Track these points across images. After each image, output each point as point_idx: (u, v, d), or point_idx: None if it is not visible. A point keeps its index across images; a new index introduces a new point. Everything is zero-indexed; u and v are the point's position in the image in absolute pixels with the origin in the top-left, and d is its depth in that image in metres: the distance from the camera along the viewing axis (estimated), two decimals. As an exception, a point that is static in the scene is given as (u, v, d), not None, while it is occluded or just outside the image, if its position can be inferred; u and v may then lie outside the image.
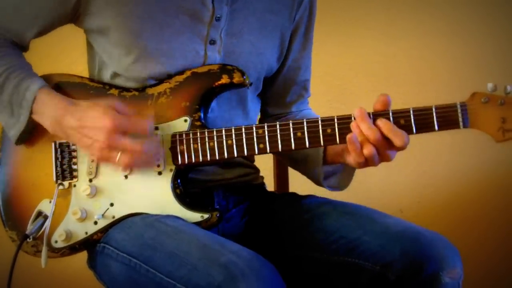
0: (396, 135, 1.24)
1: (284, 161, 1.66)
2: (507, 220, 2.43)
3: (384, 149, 1.26)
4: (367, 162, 1.28)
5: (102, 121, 1.26)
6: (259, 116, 1.61)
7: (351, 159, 1.30)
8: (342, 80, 2.46)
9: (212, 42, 1.41)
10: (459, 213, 2.44)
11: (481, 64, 2.40)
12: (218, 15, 1.40)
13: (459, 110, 1.24)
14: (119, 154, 1.26)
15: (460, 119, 1.24)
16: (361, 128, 1.25)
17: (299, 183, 1.54)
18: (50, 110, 1.33)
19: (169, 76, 1.38)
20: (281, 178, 1.68)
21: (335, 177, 1.46)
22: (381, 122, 1.25)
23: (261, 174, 1.57)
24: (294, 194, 1.57)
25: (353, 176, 1.43)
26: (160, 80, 1.38)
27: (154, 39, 1.36)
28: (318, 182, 1.48)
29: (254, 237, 1.47)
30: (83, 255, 1.43)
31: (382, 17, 2.44)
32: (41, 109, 1.33)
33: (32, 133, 1.38)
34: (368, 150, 1.25)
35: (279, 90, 1.58)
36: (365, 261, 1.30)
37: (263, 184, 1.58)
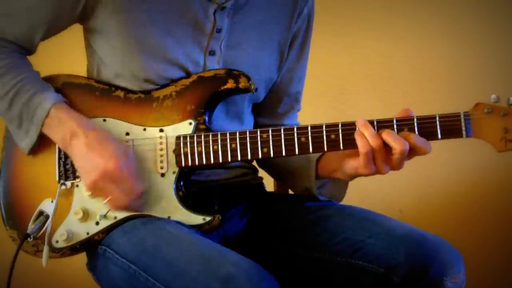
0: (395, 141, 1.25)
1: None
2: (506, 220, 2.44)
3: (384, 155, 1.27)
4: (376, 168, 1.29)
5: (109, 158, 1.28)
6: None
7: (358, 162, 1.30)
8: (341, 80, 2.47)
9: (212, 53, 1.42)
10: (459, 213, 2.45)
11: (481, 64, 2.42)
12: (219, 27, 1.41)
13: (462, 120, 1.26)
14: (107, 199, 1.31)
15: (463, 129, 1.26)
16: (365, 134, 1.26)
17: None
18: (65, 127, 1.33)
19: (172, 81, 1.39)
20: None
21: (326, 188, 1.48)
22: (382, 131, 1.27)
23: (261, 175, 1.58)
24: (295, 195, 1.57)
25: (347, 187, 1.45)
26: (160, 85, 1.39)
27: (156, 46, 1.37)
28: (307, 192, 1.48)
29: (254, 237, 1.48)
30: (83, 255, 1.43)
31: (382, 17, 2.46)
32: (54, 124, 1.33)
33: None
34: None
35: (271, 100, 1.59)
36: (369, 263, 1.31)
37: (261, 185, 1.59)
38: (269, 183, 1.63)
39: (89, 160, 1.30)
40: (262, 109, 1.59)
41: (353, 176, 1.37)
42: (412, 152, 1.26)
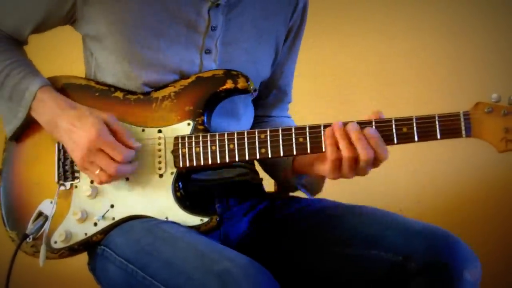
0: (382, 149, 1.25)
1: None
2: (507, 219, 2.42)
3: (352, 164, 1.27)
4: (342, 173, 1.29)
5: (89, 130, 1.29)
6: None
7: (325, 167, 1.30)
8: (341, 80, 2.47)
9: (208, 52, 1.41)
10: (459, 213, 2.44)
11: (481, 64, 2.40)
12: (214, 25, 1.40)
13: (462, 119, 1.24)
14: (98, 170, 1.30)
15: (463, 128, 1.24)
16: (356, 146, 1.25)
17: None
18: (48, 110, 1.35)
19: (171, 82, 1.38)
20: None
21: (302, 181, 1.47)
22: (369, 132, 1.25)
23: (261, 176, 1.58)
24: (297, 197, 1.56)
25: (323, 182, 1.46)
26: (157, 85, 1.39)
27: (149, 47, 1.37)
28: (287, 184, 1.50)
29: (259, 240, 1.46)
30: (82, 255, 1.42)
31: (382, 17, 2.46)
32: (40, 107, 1.36)
33: (34, 133, 1.40)
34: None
35: (261, 92, 1.58)
36: (386, 252, 1.30)
37: (261, 185, 1.58)
38: (269, 184, 1.62)
39: (73, 137, 1.31)
40: (252, 100, 1.58)
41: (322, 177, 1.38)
42: (376, 160, 1.26)
